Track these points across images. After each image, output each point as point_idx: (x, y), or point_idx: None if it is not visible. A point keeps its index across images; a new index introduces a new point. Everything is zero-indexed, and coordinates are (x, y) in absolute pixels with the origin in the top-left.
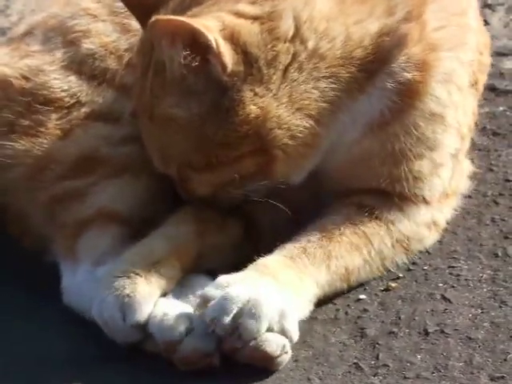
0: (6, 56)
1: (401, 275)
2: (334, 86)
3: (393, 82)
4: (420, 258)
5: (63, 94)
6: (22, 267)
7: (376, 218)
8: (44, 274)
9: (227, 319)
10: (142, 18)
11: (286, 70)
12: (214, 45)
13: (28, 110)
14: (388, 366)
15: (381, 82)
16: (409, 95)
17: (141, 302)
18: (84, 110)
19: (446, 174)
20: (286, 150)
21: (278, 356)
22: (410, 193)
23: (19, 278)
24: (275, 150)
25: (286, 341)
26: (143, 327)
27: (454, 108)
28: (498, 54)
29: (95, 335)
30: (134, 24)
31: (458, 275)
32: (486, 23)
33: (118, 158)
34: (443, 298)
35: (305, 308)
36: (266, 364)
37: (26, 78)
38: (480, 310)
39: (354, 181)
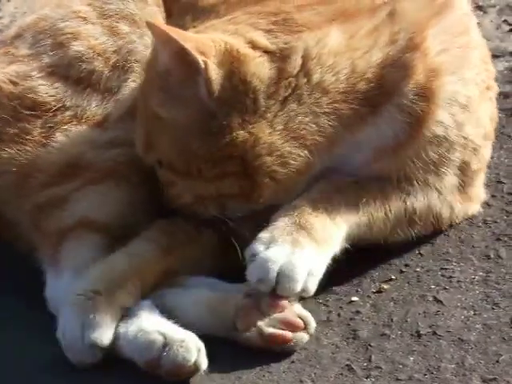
0: None
1: (393, 277)
2: (334, 122)
3: (402, 112)
4: (412, 260)
5: (49, 99)
6: (11, 272)
7: (397, 187)
8: (34, 280)
9: (268, 282)
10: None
11: (285, 100)
12: (203, 68)
13: (14, 117)
14: (380, 367)
15: (389, 114)
16: (417, 124)
17: (100, 322)
18: (69, 114)
19: (452, 179)
20: (276, 176)
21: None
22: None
23: (8, 284)
24: (261, 177)
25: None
26: (102, 348)
27: (457, 127)
28: (490, 55)
29: None
30: (123, 27)
31: (451, 277)
32: (478, 25)
33: (102, 162)
34: (435, 299)
35: (335, 250)
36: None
37: (14, 83)
38: (472, 312)
39: None
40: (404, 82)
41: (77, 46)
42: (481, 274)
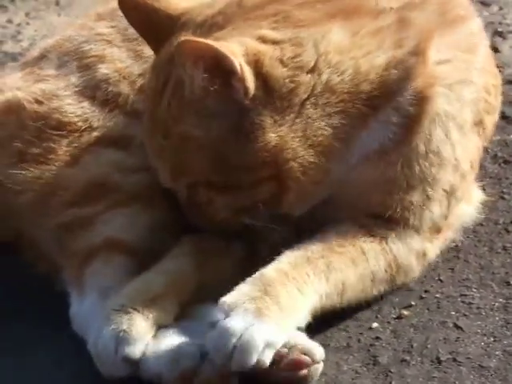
0: (19, 80)
1: (413, 303)
2: (343, 121)
3: (398, 115)
4: (432, 286)
5: (76, 119)
6: (34, 293)
7: (373, 235)
8: (54, 301)
9: (224, 353)
10: (153, 41)
11: (302, 104)
12: (239, 69)
13: (39, 137)
14: None
15: (385, 116)
16: (409, 129)
17: (136, 337)
18: (95, 134)
19: (438, 210)
20: (298, 183)
21: None
22: (402, 218)
23: (28, 305)
24: (290, 181)
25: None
26: (135, 362)
27: (451, 145)
28: (509, 81)
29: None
30: (147, 51)
31: (470, 303)
32: (497, 51)
33: (128, 185)
34: (455, 326)
35: (302, 322)
36: None
37: (39, 102)
38: (492, 339)
39: (348, 205)
40: (404, 86)
41: (103, 69)
42: (501, 300)
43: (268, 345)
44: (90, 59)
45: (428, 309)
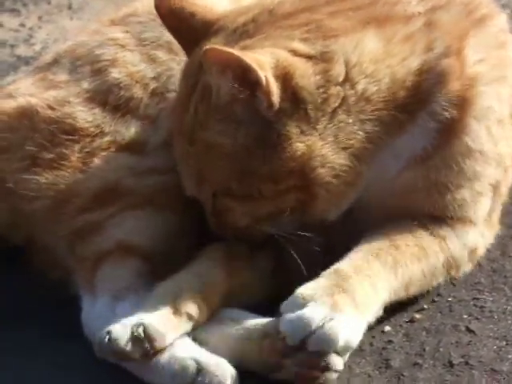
0: (32, 86)
1: (425, 307)
2: (377, 128)
3: (434, 120)
4: (444, 290)
5: (87, 124)
6: (37, 298)
7: (431, 233)
8: (57, 305)
9: (297, 339)
10: (187, 45)
11: (334, 111)
12: (264, 82)
13: (51, 141)
14: None
15: (422, 121)
16: (447, 132)
17: (163, 332)
18: (107, 139)
19: (486, 203)
20: (328, 188)
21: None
22: (457, 215)
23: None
24: (317, 188)
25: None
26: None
27: (493, 142)
28: None
29: (111, 371)
30: (161, 55)
31: (483, 307)
32: None
33: (142, 189)
34: (468, 329)
35: (374, 317)
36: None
37: (52, 108)
38: (505, 342)
39: (398, 211)
40: (438, 89)
41: (115, 73)
42: None
43: (347, 344)
44: (102, 63)
45: (440, 312)
